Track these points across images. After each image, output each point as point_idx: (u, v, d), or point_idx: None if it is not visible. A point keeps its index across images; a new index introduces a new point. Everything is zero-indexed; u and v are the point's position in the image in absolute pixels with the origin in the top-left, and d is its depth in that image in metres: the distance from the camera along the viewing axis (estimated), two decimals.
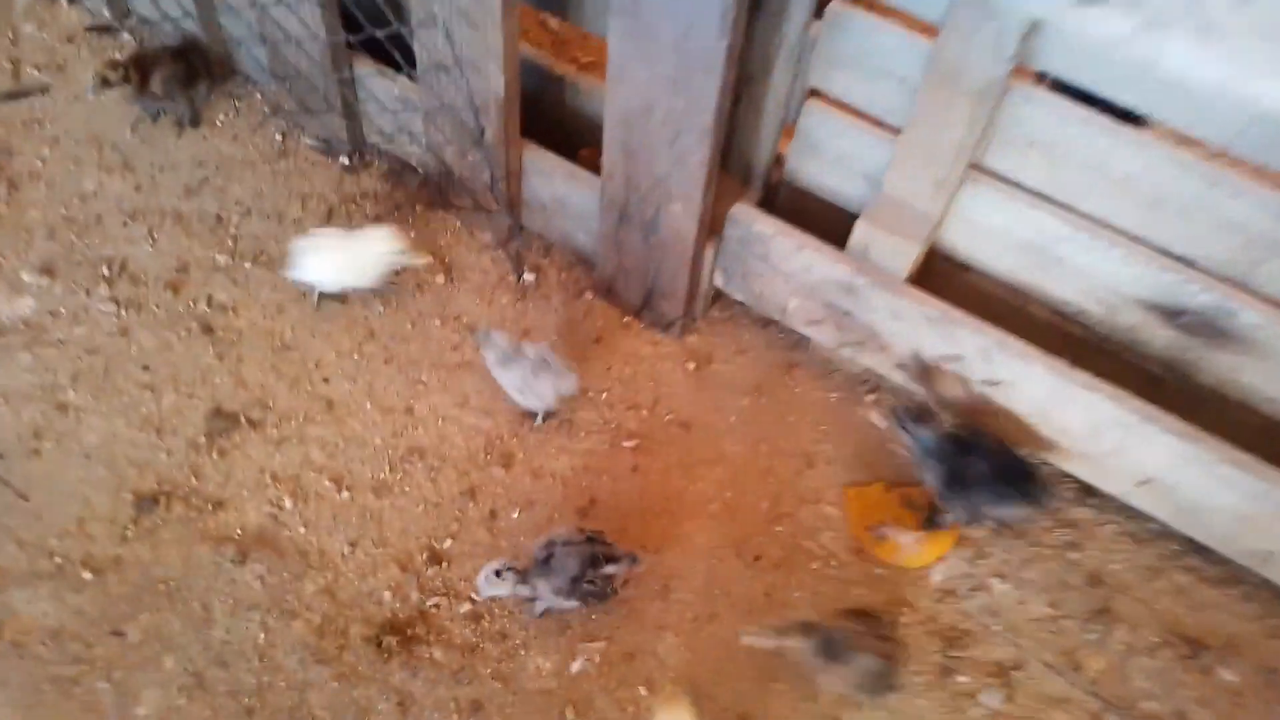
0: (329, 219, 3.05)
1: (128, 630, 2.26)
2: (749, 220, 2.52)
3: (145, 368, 2.68)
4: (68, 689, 2.17)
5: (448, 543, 2.46)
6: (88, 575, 2.32)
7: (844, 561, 2.47)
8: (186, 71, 3.14)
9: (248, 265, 2.92)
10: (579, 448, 2.64)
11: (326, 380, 2.71)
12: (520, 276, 2.94)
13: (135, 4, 3.29)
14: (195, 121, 3.22)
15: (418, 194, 3.10)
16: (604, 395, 2.73)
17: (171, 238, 2.96)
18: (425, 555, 2.43)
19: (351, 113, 3.06)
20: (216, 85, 3.28)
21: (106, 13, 3.41)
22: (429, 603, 2.36)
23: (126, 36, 3.37)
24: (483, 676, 2.26)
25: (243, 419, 2.61)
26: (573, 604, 2.26)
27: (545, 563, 2.20)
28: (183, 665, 2.22)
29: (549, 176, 2.80)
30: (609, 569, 2.24)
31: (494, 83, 2.56)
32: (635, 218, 2.58)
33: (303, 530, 2.44)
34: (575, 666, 2.29)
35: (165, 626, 2.27)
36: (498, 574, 2.21)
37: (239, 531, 2.43)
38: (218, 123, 3.24)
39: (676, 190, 2.42)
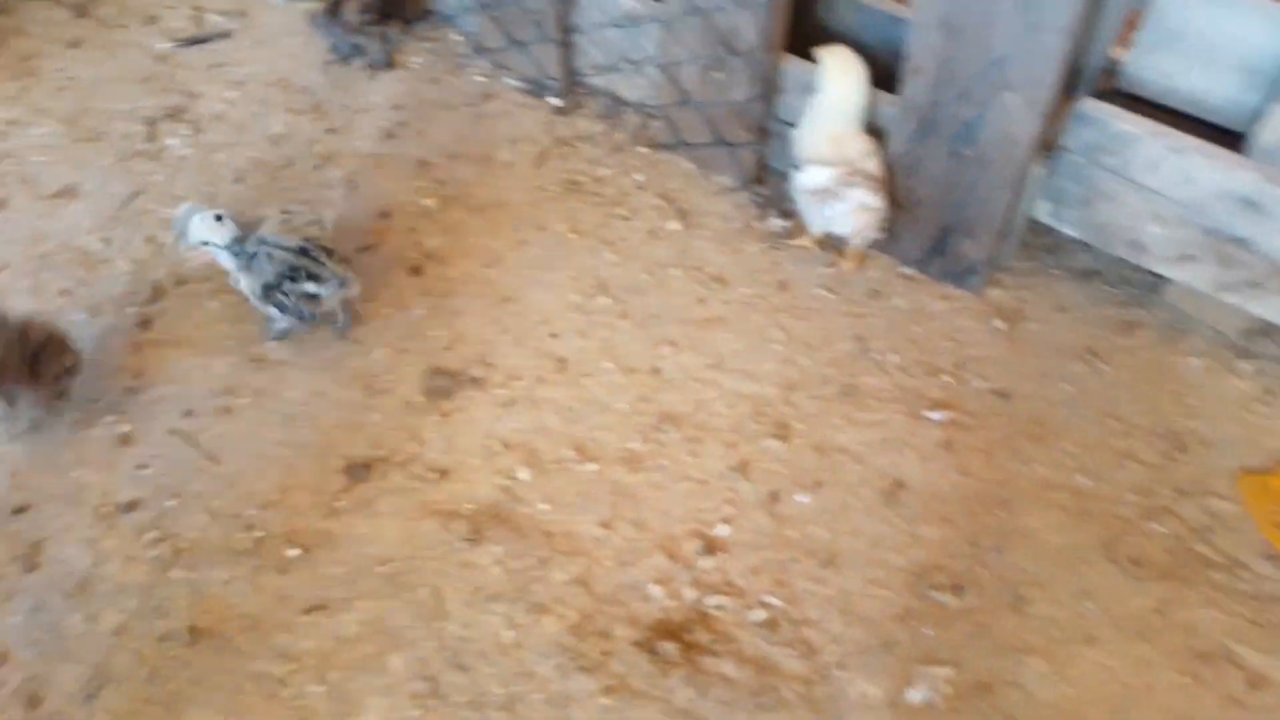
0: (541, 162, 2.63)
1: (343, 621, 1.81)
2: (1105, 118, 1.98)
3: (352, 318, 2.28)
4: (274, 690, 1.72)
5: (722, 529, 1.95)
6: (293, 552, 1.89)
7: (1259, 573, 1.86)
8: (382, 5, 2.81)
9: (458, 212, 2.51)
10: (869, 418, 2.11)
11: (555, 336, 2.26)
12: (781, 218, 2.46)
13: None
14: (389, 63, 2.87)
15: (639, 134, 2.67)
16: (892, 358, 2.20)
17: (370, 182, 2.58)
18: (697, 543, 1.93)
19: (566, 41, 2.66)
20: (409, 26, 2.94)
21: None
22: (709, 602, 1.85)
23: None
24: (791, 702, 1.73)
25: (464, 377, 2.17)
26: (288, 320, 2.09)
27: (249, 258, 2.05)
28: (413, 667, 1.75)
29: None
30: (309, 288, 2.04)
31: None
32: (944, 125, 2.08)
33: (544, 507, 1.97)
34: (914, 696, 1.73)
35: (389, 617, 1.81)
36: (218, 219, 2.08)
37: (469, 505, 1.97)
38: (412, 65, 2.89)
39: (1017, 75, 1.90)
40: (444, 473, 2.02)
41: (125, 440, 2.05)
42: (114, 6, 3.03)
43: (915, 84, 2.06)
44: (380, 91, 2.82)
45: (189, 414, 2.10)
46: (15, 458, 2.01)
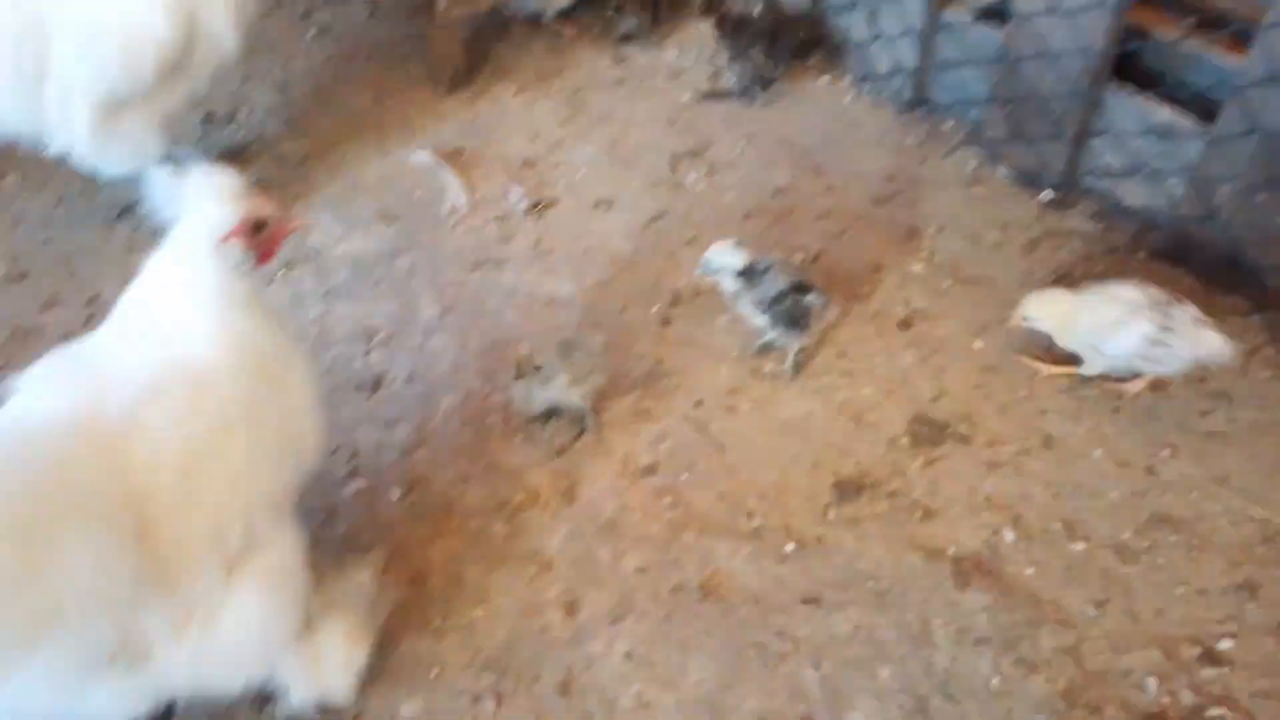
0: (1030, 249, 2.71)
1: (835, 621, 1.93)
2: None
3: (842, 354, 2.47)
4: (772, 663, 1.88)
5: (1225, 643, 1.87)
6: (789, 547, 2.06)
7: None
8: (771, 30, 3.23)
9: (946, 280, 2.65)
10: None
11: (1043, 413, 2.30)
12: None
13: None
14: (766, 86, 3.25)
15: (1138, 239, 2.67)
16: None
17: (863, 240, 2.80)
18: (1196, 650, 1.86)
19: (1079, 143, 2.74)
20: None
21: None
22: (1211, 713, 1.77)
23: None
24: None
25: (950, 431, 2.27)
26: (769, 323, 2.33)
27: (759, 274, 2.31)
28: (901, 682, 1.84)
29: None
30: (809, 299, 2.30)
31: None
32: None
33: (1030, 571, 2.00)
34: None
35: (878, 630, 1.91)
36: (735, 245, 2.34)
37: (953, 549, 2.04)
38: (906, 144, 3.10)
39: None
40: (928, 512, 2.11)
41: (646, 415, 2.35)
42: (649, 60, 3.54)
43: None
44: (874, 163, 3.05)
45: (699, 404, 2.37)
46: None
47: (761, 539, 2.08)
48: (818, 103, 3.31)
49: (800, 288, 2.31)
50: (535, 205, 2.95)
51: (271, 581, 1.56)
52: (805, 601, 1.96)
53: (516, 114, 3.33)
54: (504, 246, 2.84)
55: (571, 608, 1.97)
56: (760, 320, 2.34)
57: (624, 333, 2.56)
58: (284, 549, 1.60)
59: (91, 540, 1.32)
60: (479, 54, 3.53)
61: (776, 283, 2.31)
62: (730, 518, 2.12)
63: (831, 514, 2.12)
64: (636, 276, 2.72)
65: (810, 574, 2.01)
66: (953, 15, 2.97)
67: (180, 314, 1.54)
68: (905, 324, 2.54)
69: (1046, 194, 2.85)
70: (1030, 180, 2.88)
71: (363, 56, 3.61)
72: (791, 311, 2.30)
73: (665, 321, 2.58)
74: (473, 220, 2.92)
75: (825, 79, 3.39)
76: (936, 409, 2.32)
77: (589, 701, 1.83)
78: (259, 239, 1.59)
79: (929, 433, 2.27)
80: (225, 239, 1.54)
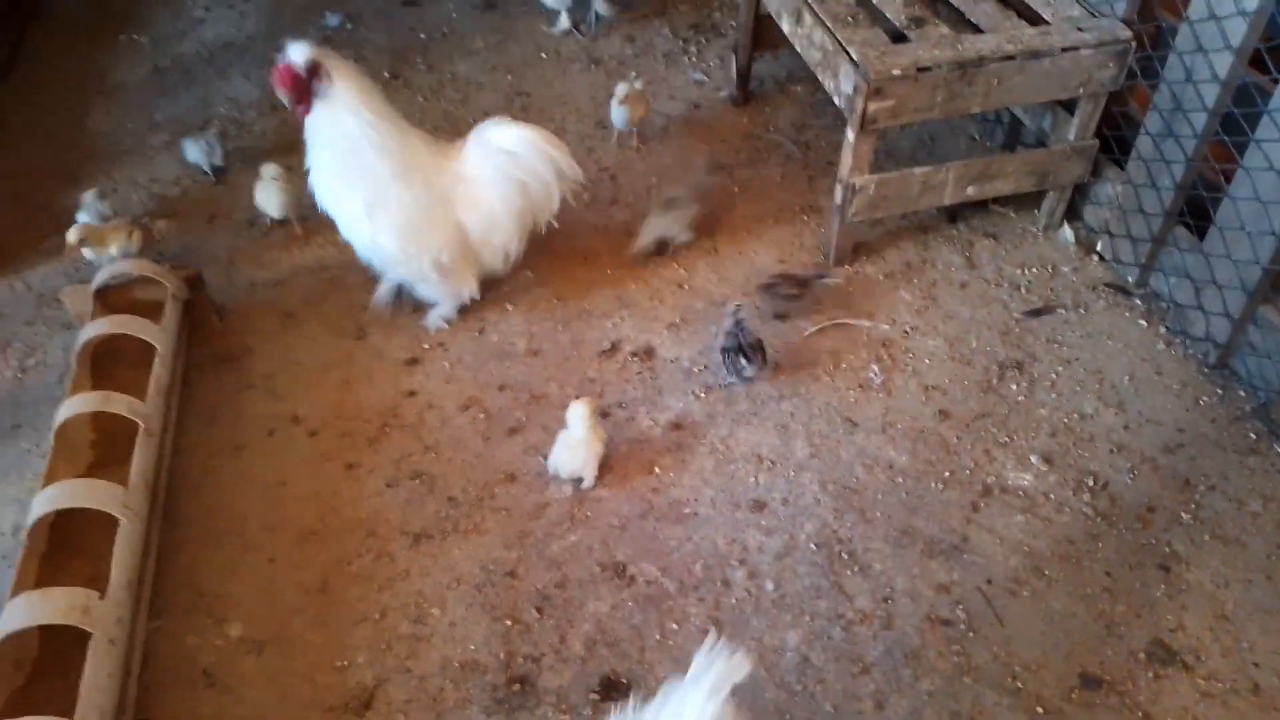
0: None
1: None
2: None
3: (1107, 573, 3.29)
4: None
5: None
6: (1038, 709, 2.96)
7: None
8: None
9: (1206, 534, 3.39)
10: None
11: (1258, 665, 3.02)
12: None
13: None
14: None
15: None
16: None
17: (1150, 481, 3.56)
18: None
19: None
20: None
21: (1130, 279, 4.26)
22: None
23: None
24: None
25: (1179, 659, 3.05)
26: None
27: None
28: None
29: None
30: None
31: None
32: None
33: None
34: None
35: None
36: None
37: None
38: (1202, 401, 3.80)
39: None
40: (1148, 716, 2.93)
41: (944, 589, 3.30)
42: (995, 270, 4.43)
43: None
44: (1171, 412, 3.78)
45: (989, 582, 3.29)
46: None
47: (1019, 700, 2.99)
48: (1131, 342, 4.08)
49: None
50: (884, 383, 3.97)
51: None
52: None
53: (881, 296, 4.35)
54: (860, 411, 3.87)
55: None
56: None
57: (936, 507, 3.52)
58: None
59: None
60: (861, 239, 4.58)
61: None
62: (999, 677, 3.05)
63: (1075, 696, 2.99)
64: (958, 464, 3.67)
65: None
66: (1269, 314, 3.65)
67: None
68: (1163, 563, 3.31)
69: None
70: None
71: (770, 217, 4.76)
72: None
73: (975, 508, 3.51)
74: (839, 382, 3.98)
75: (1141, 318, 4.16)
76: (1172, 639, 3.10)
77: None
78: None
79: (1162, 655, 3.06)
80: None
